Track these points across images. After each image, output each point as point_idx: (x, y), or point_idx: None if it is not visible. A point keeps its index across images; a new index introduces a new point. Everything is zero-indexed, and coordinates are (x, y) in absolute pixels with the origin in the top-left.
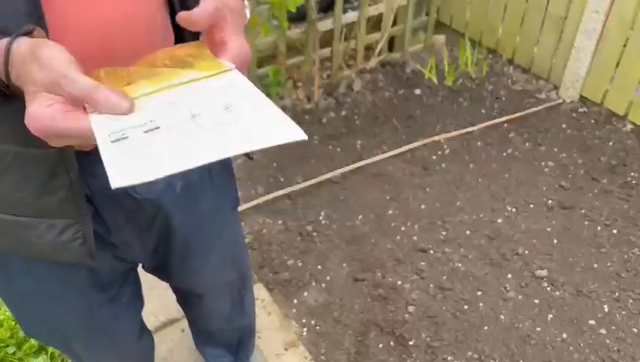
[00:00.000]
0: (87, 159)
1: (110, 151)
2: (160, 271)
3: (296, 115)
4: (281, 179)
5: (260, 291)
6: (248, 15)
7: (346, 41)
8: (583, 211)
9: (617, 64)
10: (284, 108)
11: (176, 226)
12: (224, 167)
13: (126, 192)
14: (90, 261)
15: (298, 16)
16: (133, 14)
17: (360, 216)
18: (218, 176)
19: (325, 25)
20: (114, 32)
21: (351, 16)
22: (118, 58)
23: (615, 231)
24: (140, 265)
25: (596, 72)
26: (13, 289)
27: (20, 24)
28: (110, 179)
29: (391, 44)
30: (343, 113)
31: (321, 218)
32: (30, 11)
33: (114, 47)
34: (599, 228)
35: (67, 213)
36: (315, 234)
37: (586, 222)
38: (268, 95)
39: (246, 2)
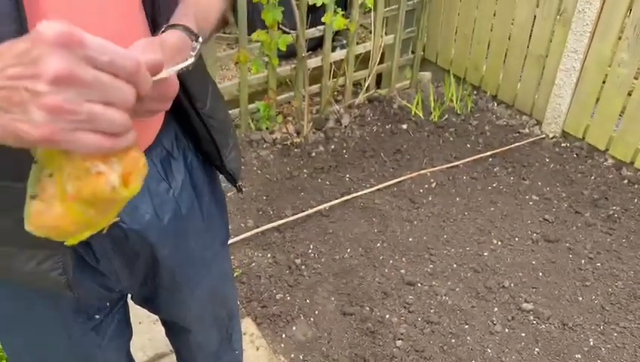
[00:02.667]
0: None
1: None
2: (149, 302)
3: (286, 149)
4: (271, 212)
5: (248, 325)
6: (193, 56)
7: (334, 78)
8: (567, 244)
9: (597, 100)
10: (273, 142)
11: (163, 259)
12: (216, 200)
13: (119, 227)
14: (68, 292)
15: (288, 54)
16: (112, 18)
17: (348, 249)
18: (209, 210)
19: (314, 62)
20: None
21: (339, 54)
22: None
23: (599, 265)
24: (130, 296)
25: (577, 108)
26: (0, 313)
27: (2, 26)
28: None
29: (378, 81)
30: (332, 147)
31: (310, 251)
32: (14, 15)
33: None
34: (583, 261)
35: (46, 244)
36: (303, 267)
37: (570, 256)
38: (258, 129)
39: (196, 44)
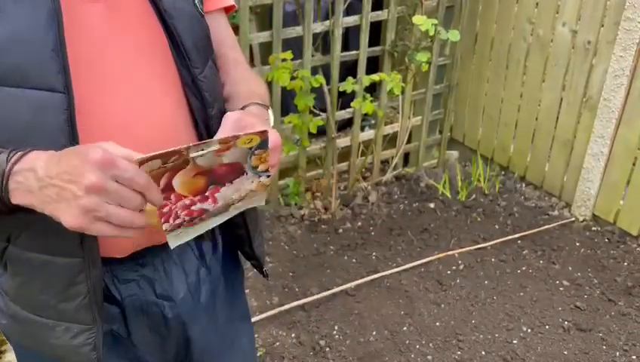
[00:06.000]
0: (121, 267)
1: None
2: None
3: (314, 225)
4: (296, 289)
5: None
6: (272, 122)
7: (362, 156)
8: (601, 334)
9: (628, 182)
10: (301, 218)
11: (194, 339)
12: (237, 277)
13: (156, 304)
14: None
15: (318, 132)
16: (158, 123)
17: (374, 332)
18: (235, 289)
19: (343, 141)
20: (140, 143)
21: (367, 134)
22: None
23: (634, 358)
24: None
25: (606, 191)
26: None
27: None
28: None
29: (406, 159)
30: (359, 224)
31: (334, 332)
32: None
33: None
34: (618, 353)
35: (82, 319)
36: (327, 349)
37: (603, 347)
38: (287, 205)
39: (270, 112)
